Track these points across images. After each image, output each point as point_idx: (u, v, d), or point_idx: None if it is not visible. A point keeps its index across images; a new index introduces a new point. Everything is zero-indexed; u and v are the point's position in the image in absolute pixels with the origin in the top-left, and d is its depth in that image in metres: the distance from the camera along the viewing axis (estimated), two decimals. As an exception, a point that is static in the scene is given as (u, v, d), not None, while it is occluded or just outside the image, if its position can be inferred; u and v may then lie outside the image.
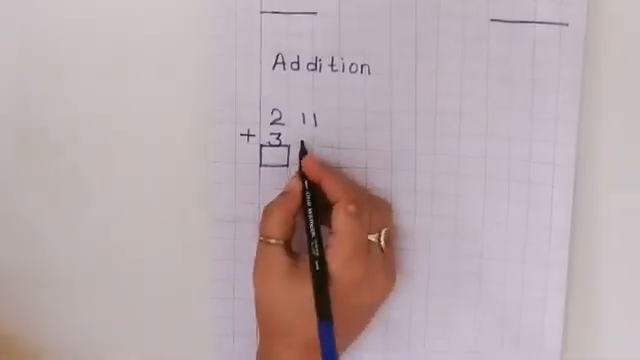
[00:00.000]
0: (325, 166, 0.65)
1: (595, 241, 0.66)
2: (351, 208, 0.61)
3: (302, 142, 0.66)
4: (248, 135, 0.67)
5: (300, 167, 0.65)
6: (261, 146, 0.67)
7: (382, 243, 0.63)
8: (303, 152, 0.66)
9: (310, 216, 0.63)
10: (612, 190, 0.65)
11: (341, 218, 0.62)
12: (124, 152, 0.69)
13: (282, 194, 0.65)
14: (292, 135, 0.67)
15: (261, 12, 0.65)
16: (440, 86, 0.65)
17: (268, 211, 0.64)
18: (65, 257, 0.71)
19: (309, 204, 0.63)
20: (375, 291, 0.64)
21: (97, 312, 0.71)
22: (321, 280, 0.61)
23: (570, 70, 0.63)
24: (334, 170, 0.66)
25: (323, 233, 0.63)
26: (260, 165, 0.67)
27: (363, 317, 0.65)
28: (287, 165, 0.67)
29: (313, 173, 0.64)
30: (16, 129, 0.69)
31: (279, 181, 0.66)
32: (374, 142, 0.66)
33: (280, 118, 0.67)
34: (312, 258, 0.62)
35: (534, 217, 0.65)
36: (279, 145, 0.67)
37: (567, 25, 0.63)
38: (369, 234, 0.62)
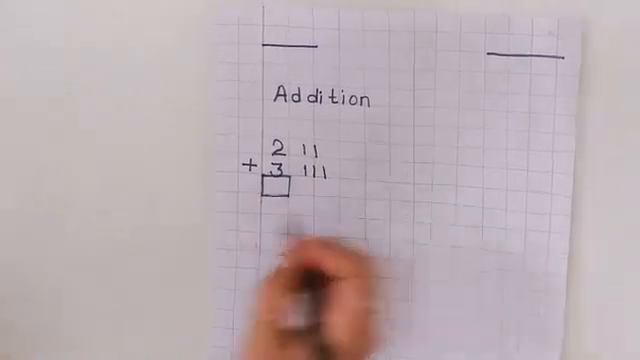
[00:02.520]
0: (321, 246, 0.62)
1: (592, 260, 0.66)
2: (364, 287, 0.60)
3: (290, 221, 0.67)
4: (250, 165, 0.68)
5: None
6: (263, 176, 0.68)
7: (377, 310, 0.61)
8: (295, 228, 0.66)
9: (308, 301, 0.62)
10: (610, 219, 0.65)
11: (351, 295, 0.59)
12: (125, 180, 0.70)
13: (270, 274, 0.62)
14: (293, 165, 0.68)
15: (263, 45, 0.67)
16: (438, 118, 0.66)
17: (259, 291, 0.61)
18: (68, 288, 0.72)
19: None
20: (368, 349, 0.62)
21: (102, 343, 0.72)
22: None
23: (566, 102, 0.64)
24: (329, 243, 0.63)
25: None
26: (261, 195, 0.68)
27: None
28: (288, 195, 0.68)
29: (313, 256, 0.61)
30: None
31: (280, 211, 0.68)
32: (373, 173, 0.67)
33: (281, 149, 0.68)
34: (317, 347, 0.60)
35: (532, 245, 0.65)
36: (280, 175, 0.68)
37: (563, 58, 0.64)
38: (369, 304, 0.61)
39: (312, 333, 0.60)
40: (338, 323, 0.60)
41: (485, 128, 0.66)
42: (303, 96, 0.67)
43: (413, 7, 0.65)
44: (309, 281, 0.61)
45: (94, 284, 0.71)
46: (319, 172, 0.68)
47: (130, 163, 0.70)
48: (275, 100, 0.67)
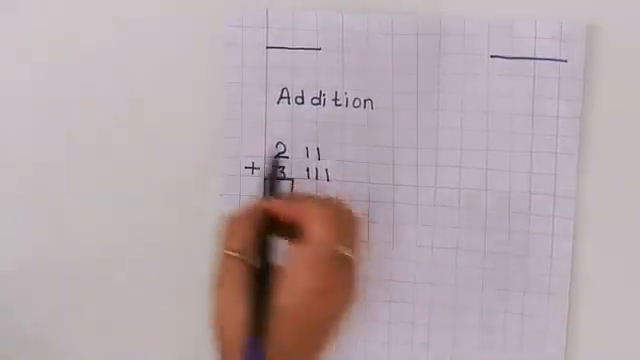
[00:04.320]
0: (291, 200, 0.63)
1: (596, 262, 0.66)
2: (328, 218, 0.60)
3: (277, 155, 0.67)
4: (252, 168, 0.68)
5: (266, 188, 0.64)
6: (265, 179, 0.68)
7: (352, 255, 0.61)
8: (274, 162, 0.65)
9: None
10: (613, 221, 0.66)
11: (316, 228, 0.60)
12: (127, 182, 0.70)
13: (244, 210, 0.63)
14: (296, 168, 0.68)
15: (267, 47, 0.67)
16: (441, 121, 0.66)
17: (231, 223, 0.62)
18: (68, 290, 0.71)
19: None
20: (338, 303, 0.62)
21: (102, 343, 0.72)
22: (262, 293, 0.60)
23: (569, 104, 0.64)
24: (305, 196, 0.65)
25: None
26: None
27: (324, 330, 0.62)
28: (291, 198, 0.68)
29: (283, 212, 0.62)
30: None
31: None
32: (376, 176, 0.67)
33: (284, 151, 0.68)
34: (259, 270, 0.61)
35: (535, 248, 0.66)
36: (283, 178, 0.68)
37: (566, 61, 0.64)
38: (341, 245, 0.61)
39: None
40: (298, 254, 0.60)
41: (488, 131, 0.66)
42: (306, 99, 0.67)
43: (417, 10, 0.65)
44: (274, 229, 0.62)
45: (95, 286, 0.71)
46: (322, 175, 0.68)
47: (132, 165, 0.70)
48: (278, 103, 0.67)
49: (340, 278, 0.61)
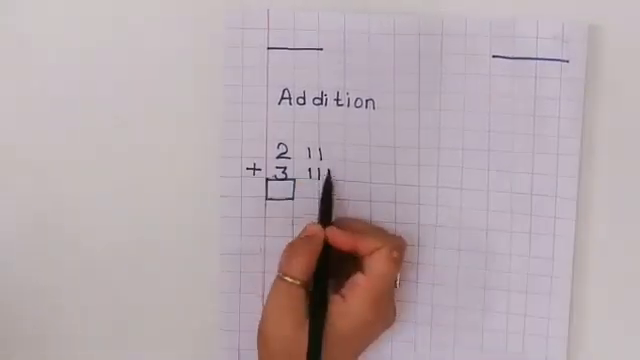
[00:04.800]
0: (350, 230, 0.65)
1: (596, 268, 0.66)
2: (396, 255, 0.63)
3: (328, 174, 0.67)
4: (254, 169, 0.68)
5: (323, 211, 0.66)
6: (267, 180, 0.68)
7: (398, 282, 0.66)
8: (328, 186, 0.67)
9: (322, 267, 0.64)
10: (614, 222, 0.66)
11: (383, 263, 0.63)
12: (128, 184, 0.70)
13: (305, 237, 0.65)
14: (298, 169, 0.68)
15: (268, 48, 0.67)
16: (443, 121, 0.66)
17: (292, 251, 0.64)
18: (69, 291, 0.72)
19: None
20: (384, 326, 0.66)
21: (102, 343, 0.72)
22: (317, 326, 0.62)
23: (571, 105, 0.64)
24: (360, 224, 0.66)
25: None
26: (266, 199, 0.68)
27: (365, 346, 0.66)
28: (292, 198, 0.68)
29: (344, 244, 0.64)
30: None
31: (285, 214, 0.68)
32: (378, 176, 0.67)
33: (286, 152, 0.68)
34: (316, 302, 0.63)
35: (536, 248, 0.66)
36: (285, 179, 0.68)
37: (568, 62, 0.64)
38: (396, 279, 0.65)
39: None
40: (359, 285, 0.62)
41: (490, 131, 0.66)
42: (308, 99, 0.67)
43: (418, 11, 0.65)
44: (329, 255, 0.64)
45: (96, 287, 0.71)
46: (324, 175, 0.67)
47: (133, 167, 0.70)
48: (280, 103, 0.67)
49: (391, 307, 0.66)
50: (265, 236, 0.68)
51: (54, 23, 0.69)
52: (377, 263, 0.63)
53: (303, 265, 0.63)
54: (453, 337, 0.68)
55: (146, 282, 0.70)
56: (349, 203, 0.67)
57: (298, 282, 0.63)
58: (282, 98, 0.67)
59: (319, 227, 0.65)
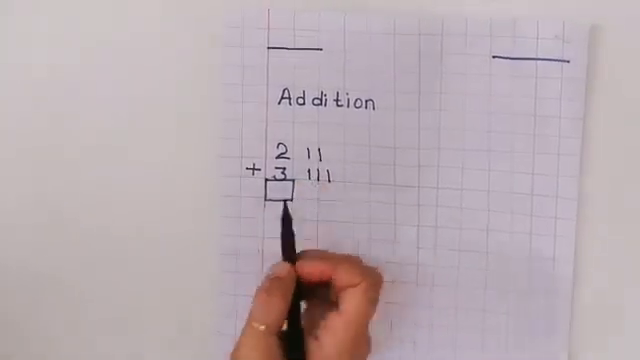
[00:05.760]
0: (323, 261, 0.61)
1: (596, 267, 0.66)
2: (372, 295, 0.60)
3: (285, 207, 0.63)
4: (253, 169, 0.68)
5: (285, 247, 0.62)
6: (266, 180, 0.68)
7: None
8: (288, 220, 0.62)
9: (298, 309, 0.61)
10: (615, 222, 0.66)
11: (358, 303, 0.59)
12: (128, 184, 0.70)
13: (274, 279, 0.61)
14: (297, 169, 0.67)
15: (268, 48, 0.67)
16: (443, 122, 0.66)
17: (264, 296, 0.60)
18: (69, 291, 0.71)
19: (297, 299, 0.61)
20: (364, 357, 0.63)
21: (102, 343, 0.71)
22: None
23: (571, 105, 0.64)
24: (328, 254, 0.63)
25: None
26: (265, 199, 0.68)
27: None
28: (292, 199, 0.68)
29: (321, 275, 0.61)
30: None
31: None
32: (378, 176, 0.67)
33: (285, 152, 0.67)
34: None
35: (537, 249, 0.65)
36: (284, 179, 0.68)
37: (568, 62, 0.64)
38: (372, 311, 0.61)
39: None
40: (334, 326, 0.59)
41: (490, 131, 0.66)
42: (308, 99, 0.67)
43: (418, 11, 0.65)
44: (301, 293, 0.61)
45: (96, 287, 0.71)
46: (323, 176, 0.67)
47: (132, 167, 0.70)
48: (279, 103, 0.67)
49: (366, 342, 0.62)
50: (264, 237, 0.68)
51: (54, 23, 0.69)
52: (352, 302, 0.59)
53: (278, 311, 0.60)
54: (453, 337, 0.67)
55: (145, 282, 0.70)
56: (348, 205, 0.67)
57: (266, 328, 0.59)
58: (282, 98, 0.67)
59: (286, 265, 0.61)
